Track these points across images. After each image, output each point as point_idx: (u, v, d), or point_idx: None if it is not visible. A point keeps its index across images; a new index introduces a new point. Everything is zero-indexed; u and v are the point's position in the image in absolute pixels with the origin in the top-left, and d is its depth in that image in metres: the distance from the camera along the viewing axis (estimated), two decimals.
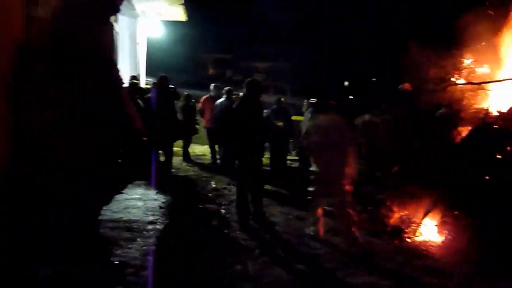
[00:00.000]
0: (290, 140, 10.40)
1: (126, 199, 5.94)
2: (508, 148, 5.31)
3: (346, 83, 22.53)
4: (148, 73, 11.19)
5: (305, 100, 9.33)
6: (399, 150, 5.99)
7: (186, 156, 9.56)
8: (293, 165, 10.05)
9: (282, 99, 9.86)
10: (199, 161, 9.70)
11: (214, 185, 7.48)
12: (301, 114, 9.76)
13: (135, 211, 5.58)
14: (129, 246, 4.37)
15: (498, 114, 5.44)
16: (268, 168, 8.87)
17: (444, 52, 6.51)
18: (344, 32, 22.70)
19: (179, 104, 9.10)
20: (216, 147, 9.31)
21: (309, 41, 24.25)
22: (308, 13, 23.95)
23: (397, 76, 7.37)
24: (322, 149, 5.04)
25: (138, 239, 4.59)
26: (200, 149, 10.85)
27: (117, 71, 2.72)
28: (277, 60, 25.49)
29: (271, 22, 24.37)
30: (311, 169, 5.30)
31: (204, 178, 7.98)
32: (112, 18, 3.15)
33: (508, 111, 5.52)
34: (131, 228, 4.88)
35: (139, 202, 5.97)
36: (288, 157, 10.30)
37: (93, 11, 2.45)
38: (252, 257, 4.47)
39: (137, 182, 6.76)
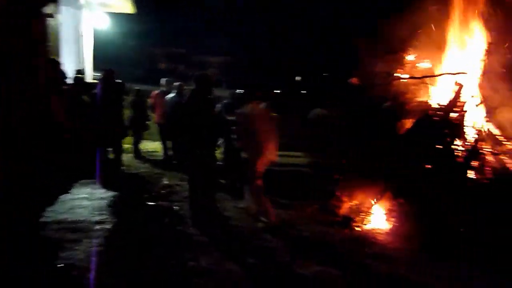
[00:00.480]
0: None
1: (72, 199, 5.67)
2: (448, 139, 5.65)
3: (298, 78, 22.88)
4: (96, 68, 10.71)
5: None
6: (348, 142, 6.17)
7: (137, 153, 9.27)
8: None
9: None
10: (151, 157, 9.44)
11: (166, 182, 7.31)
12: None
13: (81, 211, 5.34)
14: (75, 247, 4.17)
15: (438, 106, 5.74)
16: (221, 163, 8.81)
17: (389, 47, 6.78)
18: (296, 27, 22.94)
19: (129, 99, 8.80)
20: (169, 143, 9.10)
21: (262, 35, 24.26)
22: (263, 6, 23.85)
23: (347, 71, 7.58)
24: (247, 136, 5.43)
25: (84, 240, 4.40)
26: (152, 146, 10.55)
27: (51, 66, 2.57)
28: (232, 54, 25.30)
29: (224, 15, 24.10)
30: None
31: (156, 175, 7.79)
32: (52, 9, 2.96)
33: (447, 104, 5.84)
34: (77, 229, 4.66)
35: (85, 201, 5.71)
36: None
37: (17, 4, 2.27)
38: (206, 252, 4.42)
39: (84, 181, 6.49)
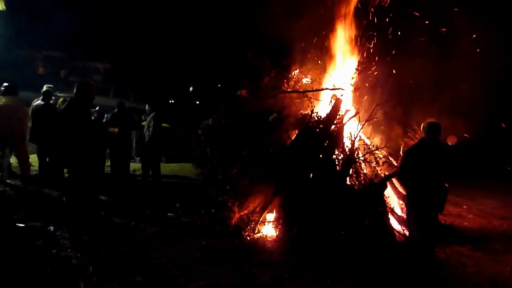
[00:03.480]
0: (133, 147, 9.90)
1: None
2: (328, 149, 6.12)
3: (191, 88, 22.76)
4: None
5: (147, 105, 8.99)
6: (238, 152, 6.27)
7: (7, 168, 8.12)
8: (136, 173, 9.57)
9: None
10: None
11: (41, 200, 6.54)
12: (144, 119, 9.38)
13: None
14: None
15: (318, 119, 6.20)
16: (108, 177, 8.25)
17: (276, 62, 7.16)
18: (187, 35, 22.64)
19: None
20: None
21: (152, 42, 23.39)
22: (152, 13, 23.03)
23: (237, 83, 7.75)
24: None
25: None
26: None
27: None
28: (120, 61, 23.87)
29: (111, 19, 22.59)
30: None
31: (29, 193, 6.92)
32: None
33: (326, 116, 6.34)
34: None
35: None
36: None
37: None
38: (85, 276, 4.04)
39: None
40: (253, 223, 5.80)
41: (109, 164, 8.52)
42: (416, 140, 5.54)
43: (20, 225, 5.36)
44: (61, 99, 8.29)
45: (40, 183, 7.48)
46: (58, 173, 7.36)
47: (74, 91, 5.00)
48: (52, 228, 5.32)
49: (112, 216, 6.00)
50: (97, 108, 7.09)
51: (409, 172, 4.87)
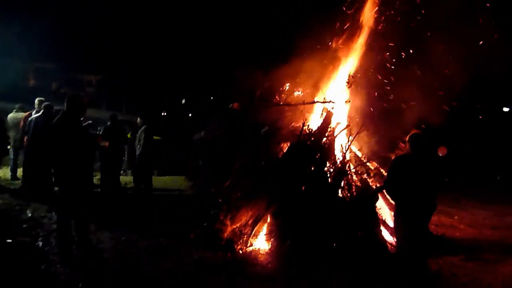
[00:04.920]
0: (124, 159, 9.86)
1: None
2: (319, 162, 6.14)
3: (183, 101, 22.79)
4: None
5: (139, 118, 8.98)
6: (230, 165, 6.27)
7: None
8: (128, 186, 9.51)
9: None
10: (11, 186, 8.28)
11: (30, 214, 6.45)
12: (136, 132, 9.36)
13: None
14: None
15: (310, 132, 6.23)
16: (98, 190, 8.18)
17: (268, 76, 7.22)
18: (179, 48, 22.69)
19: None
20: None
21: (145, 54, 23.39)
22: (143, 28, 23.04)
23: (230, 95, 7.80)
24: None
25: None
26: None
27: None
28: (113, 73, 23.75)
29: (104, 31, 22.56)
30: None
31: (17, 207, 6.82)
32: None
33: (318, 129, 6.38)
34: None
35: None
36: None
37: None
38: None
39: None
40: (245, 236, 5.76)
41: (99, 177, 8.47)
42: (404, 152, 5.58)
43: (8, 240, 5.27)
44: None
45: (29, 197, 7.38)
46: (46, 185, 7.28)
47: (65, 103, 4.98)
48: (41, 243, 5.25)
49: (103, 230, 5.93)
50: (90, 122, 7.05)
51: (395, 184, 4.89)
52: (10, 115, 8.98)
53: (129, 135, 9.33)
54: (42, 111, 7.69)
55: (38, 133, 7.43)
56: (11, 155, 8.91)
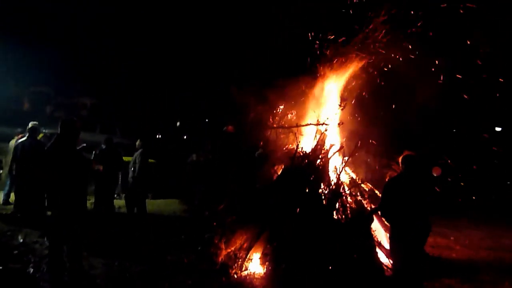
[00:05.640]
0: (119, 183, 9.79)
1: None
2: (314, 184, 6.15)
3: (178, 123, 22.83)
4: None
5: (138, 140, 8.97)
6: (224, 188, 6.26)
7: None
8: (121, 210, 9.41)
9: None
10: (3, 212, 8.16)
11: (21, 240, 6.35)
12: (132, 155, 9.31)
13: None
14: None
15: (304, 154, 6.27)
16: (91, 214, 8.08)
17: (261, 99, 7.31)
18: (175, 71, 22.85)
19: None
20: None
21: (139, 77, 23.46)
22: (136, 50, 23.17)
23: (224, 118, 7.86)
24: None
25: None
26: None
27: None
28: (107, 96, 23.76)
29: (98, 54, 22.70)
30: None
31: (8, 233, 6.70)
32: None
33: (312, 151, 6.42)
34: None
35: None
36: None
37: None
38: None
39: None
40: (240, 260, 5.70)
41: (93, 201, 8.38)
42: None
43: None
44: (41, 135, 8.21)
45: (20, 222, 7.28)
46: (38, 210, 7.19)
47: (59, 128, 4.99)
48: (32, 269, 5.15)
49: (95, 255, 5.84)
50: (84, 145, 7.02)
51: (389, 205, 4.89)
52: (12, 141, 8.95)
53: (125, 158, 9.27)
54: (27, 134, 7.70)
55: (26, 156, 7.41)
56: (7, 180, 8.83)
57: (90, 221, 7.37)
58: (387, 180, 6.01)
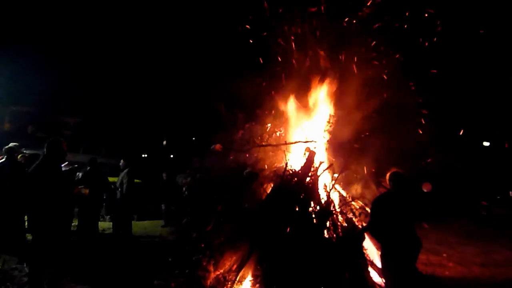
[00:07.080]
0: (103, 204, 9.53)
1: None
2: (304, 203, 6.04)
3: (164, 142, 22.63)
4: None
5: (122, 160, 8.78)
6: (212, 209, 6.10)
7: None
8: (106, 232, 9.13)
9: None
10: None
11: None
12: (117, 175, 9.10)
13: None
14: None
15: (293, 172, 6.17)
16: (75, 237, 7.80)
17: (249, 117, 7.24)
18: (162, 90, 22.74)
19: None
20: None
21: (125, 96, 23.21)
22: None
23: (211, 136, 7.74)
24: None
25: None
26: None
27: None
28: (91, 115, 23.38)
29: (82, 74, 22.40)
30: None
31: None
32: None
33: (301, 169, 6.33)
34: None
35: None
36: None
37: None
38: None
39: None
40: (229, 282, 5.50)
41: (77, 223, 8.11)
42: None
43: None
44: (19, 156, 7.88)
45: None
46: (17, 234, 6.88)
47: (45, 148, 4.82)
48: None
49: (79, 281, 5.58)
50: (66, 163, 6.78)
51: (378, 223, 4.82)
52: None
53: (110, 179, 9.02)
54: (5, 156, 7.41)
55: (5, 178, 7.10)
56: None
57: (73, 245, 7.12)
58: (374, 198, 5.97)
